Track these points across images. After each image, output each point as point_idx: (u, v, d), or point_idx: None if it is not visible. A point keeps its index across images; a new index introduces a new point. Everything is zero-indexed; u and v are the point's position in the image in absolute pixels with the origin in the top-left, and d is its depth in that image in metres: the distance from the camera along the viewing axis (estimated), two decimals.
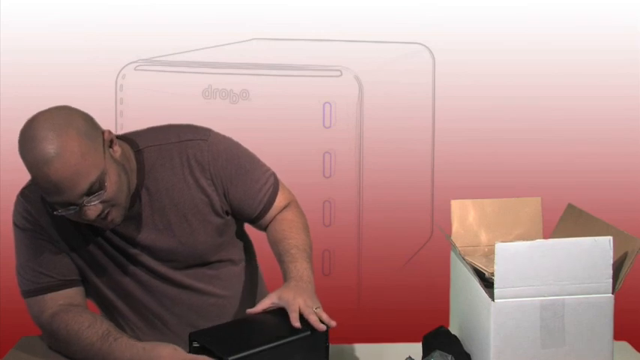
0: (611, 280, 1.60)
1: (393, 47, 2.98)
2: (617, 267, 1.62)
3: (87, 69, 2.90)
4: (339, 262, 2.98)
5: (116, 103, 2.91)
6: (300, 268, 1.76)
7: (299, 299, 1.65)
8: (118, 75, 2.88)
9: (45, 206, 1.72)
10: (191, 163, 1.77)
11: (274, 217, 1.91)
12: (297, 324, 1.61)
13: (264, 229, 1.93)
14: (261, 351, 1.56)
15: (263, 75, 2.92)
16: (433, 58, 2.97)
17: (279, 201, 1.90)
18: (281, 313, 1.66)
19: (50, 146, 1.56)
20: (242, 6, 2.93)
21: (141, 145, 1.77)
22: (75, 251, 1.76)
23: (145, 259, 1.80)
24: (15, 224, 1.77)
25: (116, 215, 1.66)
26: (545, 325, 1.59)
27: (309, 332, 1.61)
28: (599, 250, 1.59)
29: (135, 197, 1.74)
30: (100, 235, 1.76)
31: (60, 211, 1.61)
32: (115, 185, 1.62)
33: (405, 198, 2.97)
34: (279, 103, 2.80)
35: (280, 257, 1.81)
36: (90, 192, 1.58)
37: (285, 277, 1.76)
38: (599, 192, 2.85)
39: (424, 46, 2.97)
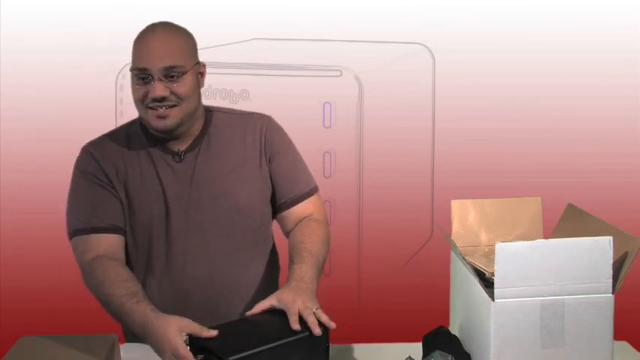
0: (611, 280, 1.60)
1: (393, 47, 2.98)
2: (617, 267, 1.62)
3: (87, 69, 2.90)
4: (339, 262, 2.98)
5: (116, 103, 2.91)
6: (305, 269, 1.77)
7: (298, 301, 1.66)
8: (118, 75, 2.88)
9: (109, 153, 1.91)
10: (251, 128, 1.97)
11: (299, 220, 1.97)
12: (296, 326, 1.62)
13: (287, 231, 1.99)
14: (261, 351, 1.56)
15: (263, 75, 2.92)
16: (433, 58, 2.97)
17: (310, 203, 1.99)
18: (281, 313, 1.66)
19: (166, 24, 1.88)
20: (242, 6, 2.93)
21: (212, 109, 2.01)
22: (129, 196, 1.90)
23: (190, 210, 1.90)
24: (78, 169, 1.92)
25: (174, 115, 1.84)
26: (545, 325, 1.59)
27: (307, 333, 1.61)
28: (599, 250, 1.59)
29: (197, 141, 1.93)
30: (157, 176, 1.90)
31: (137, 85, 1.83)
32: (189, 89, 1.86)
33: (405, 198, 2.97)
34: (279, 103, 2.79)
35: (291, 259, 1.85)
36: (168, 72, 1.81)
37: (288, 278, 1.77)
38: (599, 192, 2.85)
39: (424, 46, 2.97)
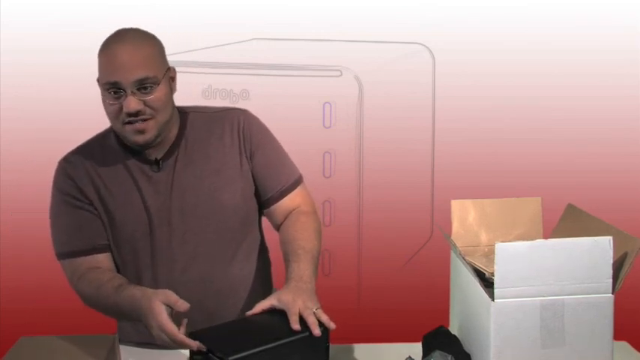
0: (611, 280, 1.60)
1: (393, 47, 2.98)
2: (617, 267, 1.62)
3: (87, 69, 2.89)
4: (339, 262, 2.98)
5: None
6: (303, 268, 1.77)
7: (298, 301, 1.66)
8: None
9: (85, 171, 1.88)
10: (229, 126, 1.93)
11: (289, 213, 1.95)
12: (296, 327, 1.62)
13: (276, 224, 1.97)
14: (261, 351, 1.56)
15: (263, 75, 2.92)
16: (433, 58, 2.97)
17: (296, 195, 1.96)
18: (281, 313, 1.66)
19: (132, 32, 1.82)
20: (242, 6, 2.93)
21: (187, 110, 1.96)
22: (109, 212, 1.88)
23: (174, 219, 1.88)
24: (56, 187, 1.90)
25: (151, 128, 1.81)
26: (545, 325, 1.59)
27: (307, 333, 1.61)
28: (599, 250, 1.59)
29: (174, 147, 1.89)
30: (137, 189, 1.88)
31: (109, 100, 1.78)
32: (163, 98, 1.81)
33: (405, 198, 2.97)
34: (279, 103, 2.80)
35: (286, 257, 1.84)
36: (141, 85, 1.77)
37: (287, 278, 1.77)
38: (599, 192, 2.85)
39: (424, 46, 2.97)
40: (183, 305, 1.67)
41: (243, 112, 1.97)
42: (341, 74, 2.91)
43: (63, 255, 1.91)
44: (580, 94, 2.95)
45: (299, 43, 2.97)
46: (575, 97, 2.95)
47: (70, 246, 1.89)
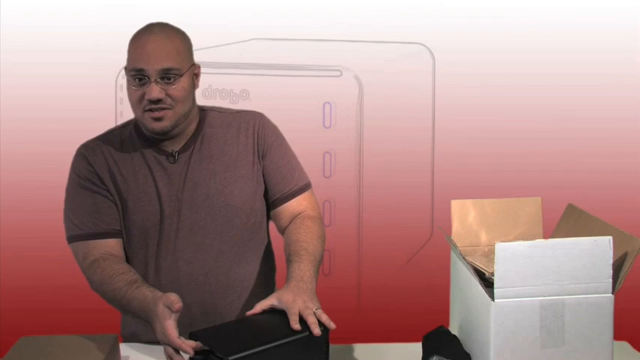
0: (611, 280, 1.60)
1: (393, 47, 2.98)
2: (617, 267, 1.62)
3: (87, 69, 2.90)
4: (339, 262, 2.98)
5: (116, 103, 2.91)
6: (304, 268, 1.78)
7: (299, 301, 1.66)
8: (118, 75, 2.88)
9: (103, 157, 1.92)
10: (245, 127, 1.98)
11: (295, 216, 1.97)
12: (296, 326, 1.62)
13: (281, 227, 1.99)
14: (261, 351, 1.56)
15: (263, 75, 2.92)
16: (433, 58, 2.97)
17: (303, 199, 1.99)
18: (281, 313, 1.67)
19: (162, 25, 1.89)
20: (242, 6, 2.93)
21: (207, 108, 2.02)
22: (123, 199, 1.91)
23: (183, 211, 1.91)
24: (74, 171, 1.93)
25: (169, 117, 1.86)
26: (545, 325, 1.59)
27: (307, 333, 1.62)
28: (599, 250, 1.59)
29: (191, 141, 1.94)
30: (152, 178, 1.91)
31: (133, 86, 1.84)
32: (184, 91, 1.86)
33: (405, 198, 2.97)
34: (279, 103, 2.80)
35: (288, 258, 1.86)
36: (165, 75, 1.83)
37: (287, 278, 1.77)
38: (599, 192, 2.85)
39: (424, 46, 2.97)
40: (177, 304, 1.67)
41: (260, 116, 2.02)
42: (341, 74, 2.91)
43: (75, 237, 1.92)
44: (580, 94, 2.95)
45: (299, 43, 2.97)
46: (575, 97, 2.95)
47: (84, 229, 1.91)
